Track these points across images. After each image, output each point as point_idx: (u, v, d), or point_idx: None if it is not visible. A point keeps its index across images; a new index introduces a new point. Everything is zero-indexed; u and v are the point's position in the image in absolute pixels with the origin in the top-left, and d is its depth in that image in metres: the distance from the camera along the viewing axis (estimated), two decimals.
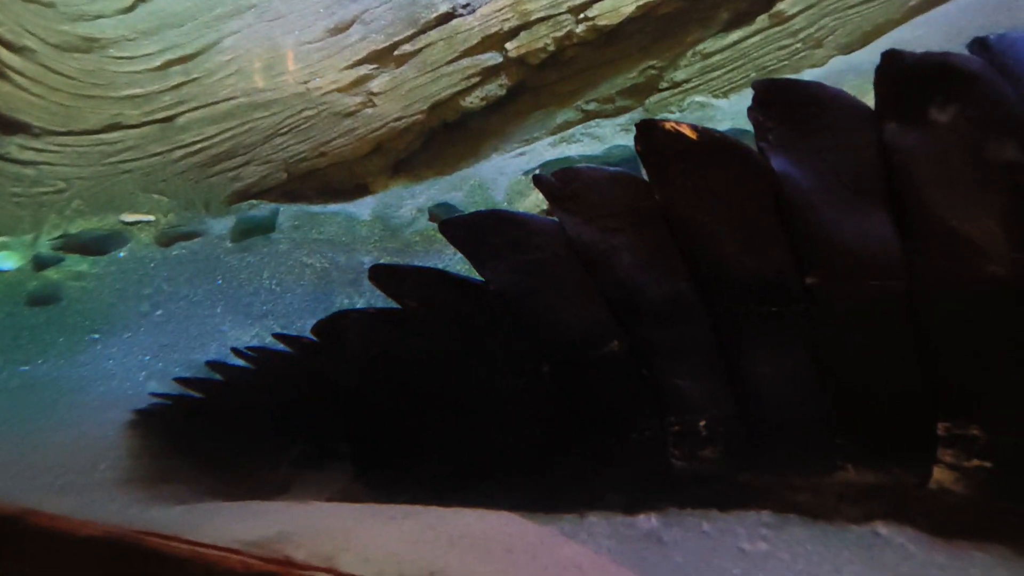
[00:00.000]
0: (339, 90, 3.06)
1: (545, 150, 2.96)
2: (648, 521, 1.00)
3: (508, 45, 2.94)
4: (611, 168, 1.00)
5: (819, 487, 0.99)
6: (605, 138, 2.91)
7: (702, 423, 1.01)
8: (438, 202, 2.82)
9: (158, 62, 3.08)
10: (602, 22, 2.84)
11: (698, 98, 2.88)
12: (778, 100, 0.89)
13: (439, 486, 1.05)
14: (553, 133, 3.04)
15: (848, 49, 2.84)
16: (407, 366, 1.05)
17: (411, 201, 2.94)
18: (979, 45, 0.83)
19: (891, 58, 0.82)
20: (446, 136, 3.19)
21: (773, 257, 0.93)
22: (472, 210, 2.91)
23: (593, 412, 1.06)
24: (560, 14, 2.89)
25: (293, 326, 1.98)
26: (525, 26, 2.93)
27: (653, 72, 2.98)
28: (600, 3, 2.86)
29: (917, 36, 2.67)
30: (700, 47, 2.91)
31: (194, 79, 3.09)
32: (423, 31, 3.03)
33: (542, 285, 1.02)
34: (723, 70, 2.89)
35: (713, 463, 1.02)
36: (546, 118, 3.07)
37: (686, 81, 2.92)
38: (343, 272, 2.33)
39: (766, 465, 1.02)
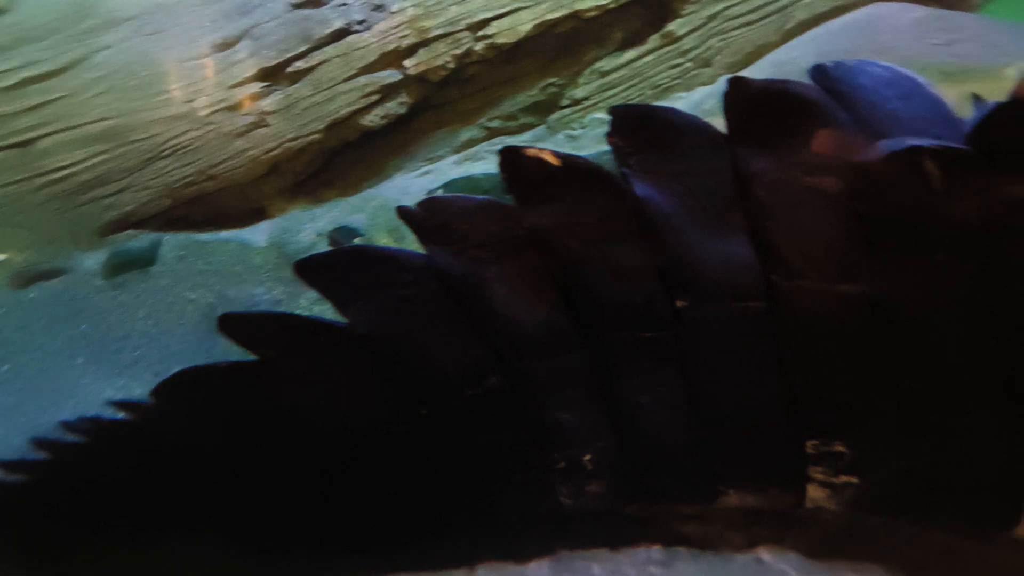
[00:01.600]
0: (228, 109, 2.87)
1: (450, 168, 2.91)
2: (539, 569, 0.95)
3: (407, 62, 2.87)
4: (478, 196, 0.95)
5: (705, 515, 0.98)
6: None
7: (587, 457, 0.98)
8: (339, 225, 2.69)
9: (13, 80, 2.76)
10: (500, 40, 2.84)
11: (599, 115, 2.94)
12: (635, 126, 0.88)
13: (308, 559, 0.95)
14: (457, 151, 2.99)
15: (734, 68, 2.99)
16: (267, 424, 0.95)
17: (311, 225, 2.79)
18: (818, 72, 0.86)
19: (736, 85, 0.83)
20: (347, 156, 3.06)
21: (642, 282, 0.92)
22: (376, 232, 2.81)
23: (476, 454, 1.00)
24: (458, 31, 2.87)
25: (169, 372, 1.79)
26: (423, 43, 2.87)
27: (554, 90, 3.01)
28: (498, 21, 2.86)
29: (792, 57, 2.85)
30: (597, 65, 2.97)
31: (58, 98, 2.79)
32: (317, 47, 2.91)
33: (413, 323, 0.96)
34: (620, 88, 2.96)
35: (601, 498, 0.99)
36: (450, 136, 3.03)
37: (586, 98, 2.97)
38: (232, 306, 2.15)
39: (653, 496, 1.01)
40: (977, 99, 0.88)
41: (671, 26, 2.94)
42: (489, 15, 2.85)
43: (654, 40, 2.95)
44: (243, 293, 2.24)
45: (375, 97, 2.86)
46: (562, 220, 0.91)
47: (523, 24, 2.82)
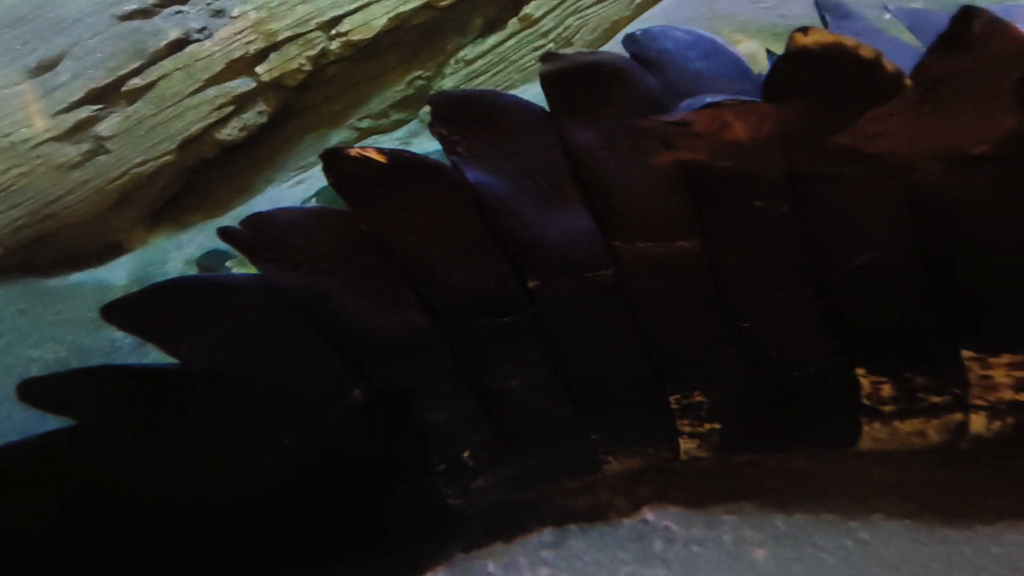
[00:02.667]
0: (56, 139, 2.56)
1: (324, 175, 2.77)
2: None
3: (259, 69, 2.69)
4: (308, 206, 0.90)
5: (592, 487, 1.00)
6: None
7: (466, 454, 0.96)
8: (208, 250, 2.49)
9: None
10: (356, 37, 2.73)
11: None
12: (458, 112, 0.86)
13: None
14: None
15: (594, 45, 3.07)
16: (103, 498, 0.83)
17: (178, 253, 2.57)
18: (628, 40, 0.88)
19: (550, 61, 0.83)
20: (211, 174, 2.84)
21: (491, 268, 0.90)
22: None
23: (353, 475, 0.95)
24: (309, 32, 2.72)
25: None
26: (273, 47, 2.70)
27: (422, 82, 2.94)
28: (350, 18, 2.74)
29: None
30: (461, 54, 2.94)
31: None
32: (153, 62, 2.65)
33: (257, 351, 0.89)
34: (488, 74, 2.95)
35: (488, 492, 0.98)
36: (320, 141, 2.88)
37: (455, 88, 2.93)
38: (87, 358, 1.93)
39: (538, 479, 1.00)
40: (770, 54, 0.94)
41: (528, 8, 2.96)
42: (340, 12, 2.72)
43: (513, 24, 2.95)
44: (101, 341, 2.01)
45: (228, 109, 2.66)
46: (399, 218, 0.87)
47: (377, 19, 2.73)
